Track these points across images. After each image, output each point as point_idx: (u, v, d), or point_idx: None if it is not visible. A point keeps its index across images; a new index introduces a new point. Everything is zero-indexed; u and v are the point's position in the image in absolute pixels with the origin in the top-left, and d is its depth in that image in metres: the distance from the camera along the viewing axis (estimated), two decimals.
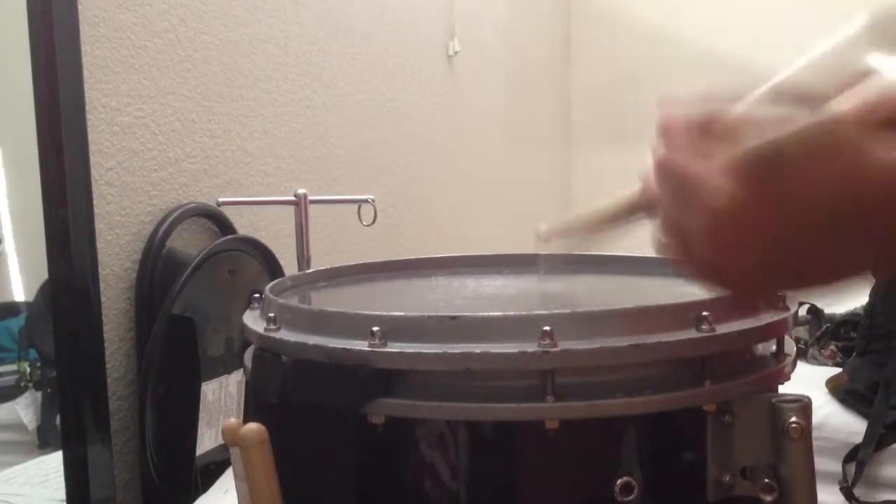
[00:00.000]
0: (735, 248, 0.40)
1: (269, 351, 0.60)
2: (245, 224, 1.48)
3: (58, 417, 1.21)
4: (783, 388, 0.58)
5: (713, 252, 0.40)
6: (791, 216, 0.38)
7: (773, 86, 0.38)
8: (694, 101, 0.42)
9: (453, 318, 0.52)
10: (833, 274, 0.42)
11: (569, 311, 0.52)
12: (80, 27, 1.16)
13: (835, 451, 1.57)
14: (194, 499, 1.16)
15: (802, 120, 0.37)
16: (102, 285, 1.20)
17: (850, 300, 2.03)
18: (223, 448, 1.06)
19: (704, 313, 0.53)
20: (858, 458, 1.53)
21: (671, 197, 0.41)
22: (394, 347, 0.52)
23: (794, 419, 0.51)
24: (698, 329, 0.53)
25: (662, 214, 0.43)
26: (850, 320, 1.90)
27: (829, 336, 1.95)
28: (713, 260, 0.41)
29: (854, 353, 1.72)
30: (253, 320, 0.65)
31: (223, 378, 1.28)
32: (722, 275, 0.42)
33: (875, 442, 1.52)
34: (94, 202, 1.19)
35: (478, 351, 0.50)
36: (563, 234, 0.69)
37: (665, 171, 0.42)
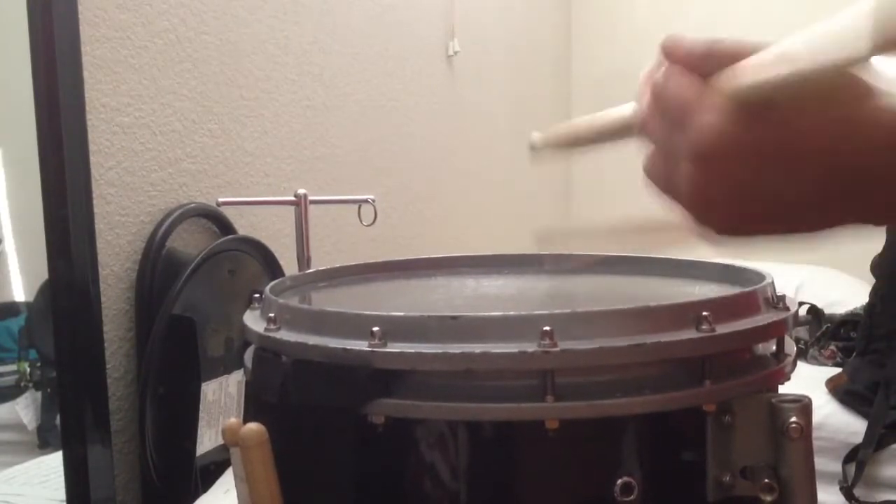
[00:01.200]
0: (715, 184, 0.39)
1: (269, 351, 0.60)
2: (245, 224, 1.48)
3: (58, 417, 1.21)
4: (783, 388, 0.58)
5: (694, 184, 0.40)
6: (781, 161, 0.38)
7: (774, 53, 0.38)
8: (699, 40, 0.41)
9: (453, 318, 0.52)
10: (818, 223, 0.41)
11: (569, 311, 0.52)
12: (80, 27, 1.16)
13: (835, 451, 1.57)
14: (194, 499, 1.16)
15: (802, 63, 0.36)
16: (102, 285, 1.20)
17: (850, 300, 2.04)
18: (223, 448, 1.06)
19: (704, 313, 0.53)
20: (858, 458, 1.53)
21: (662, 120, 0.41)
22: (394, 347, 0.52)
23: (793, 419, 0.51)
24: (698, 329, 0.52)
25: (650, 135, 0.42)
26: (850, 320, 1.90)
27: (829, 336, 1.95)
28: (693, 192, 0.40)
29: (854, 353, 1.72)
30: (253, 320, 0.65)
31: (223, 378, 1.28)
32: (699, 208, 0.41)
33: (875, 442, 1.52)
34: (94, 202, 1.19)
35: (478, 351, 0.50)
36: (555, 143, 0.68)
37: (660, 92, 0.41)
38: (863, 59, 0.32)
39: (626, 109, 0.51)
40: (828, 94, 0.37)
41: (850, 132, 0.37)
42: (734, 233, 0.42)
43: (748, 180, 0.39)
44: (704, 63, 0.40)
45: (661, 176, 0.42)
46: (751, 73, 0.38)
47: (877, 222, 0.41)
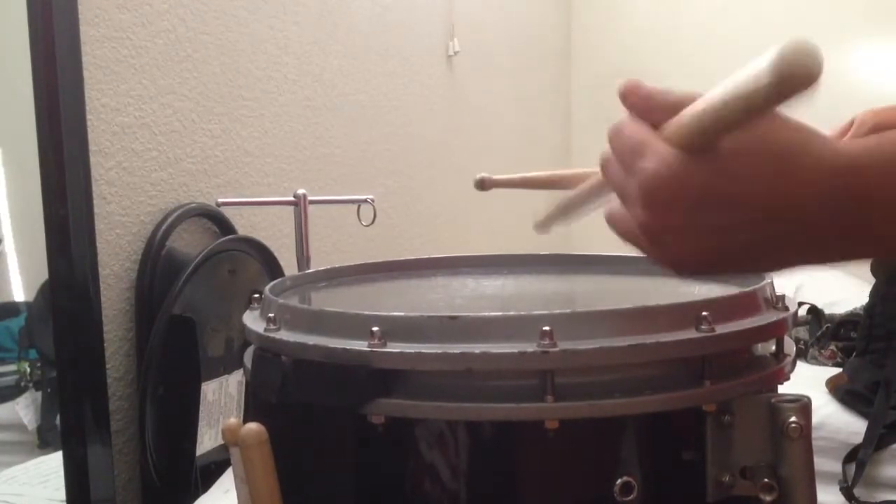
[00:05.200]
0: (663, 228, 0.41)
1: (269, 351, 0.60)
2: (245, 224, 1.48)
3: (58, 417, 1.21)
4: (783, 388, 0.58)
5: (643, 227, 0.42)
6: (722, 204, 0.40)
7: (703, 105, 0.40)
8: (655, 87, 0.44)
9: (453, 318, 0.52)
10: (768, 263, 0.43)
11: (569, 311, 0.52)
12: (80, 27, 1.16)
13: (835, 451, 1.57)
14: (194, 499, 1.16)
15: (715, 100, 0.38)
16: (102, 285, 1.20)
17: (850, 300, 2.04)
18: (223, 448, 1.06)
19: (704, 313, 0.53)
20: (858, 458, 1.53)
21: (619, 158, 0.43)
22: (394, 347, 0.52)
23: (793, 419, 0.51)
24: (698, 329, 0.52)
25: (609, 180, 0.45)
26: (850, 320, 1.90)
27: (829, 336, 1.95)
28: (644, 234, 0.42)
29: (854, 354, 1.72)
30: (253, 320, 0.65)
31: (223, 378, 1.28)
32: (652, 250, 0.43)
33: (875, 442, 1.52)
34: (94, 202, 1.19)
35: (478, 351, 0.50)
36: (554, 219, 0.71)
37: (614, 138, 0.44)
38: (763, 96, 0.35)
39: (584, 170, 0.55)
40: (762, 139, 0.39)
41: (786, 178, 0.39)
42: (689, 271, 0.44)
43: (692, 224, 0.41)
44: (656, 111, 0.43)
45: (619, 218, 0.44)
46: (684, 117, 0.41)
47: (832, 261, 0.43)
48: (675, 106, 0.42)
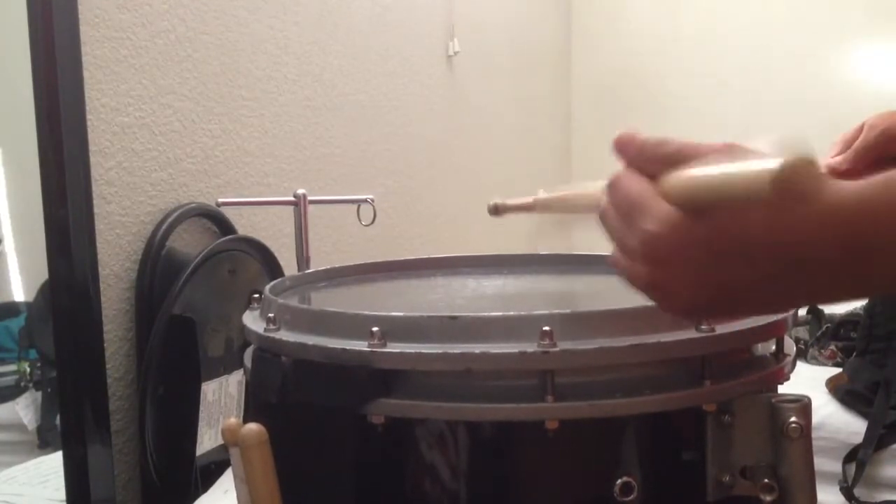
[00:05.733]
0: (667, 282, 0.42)
1: (269, 351, 0.60)
2: (245, 224, 1.48)
3: (58, 417, 1.21)
4: (783, 388, 0.58)
5: (647, 282, 0.43)
6: (727, 257, 0.40)
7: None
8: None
9: (453, 318, 0.52)
10: (777, 308, 0.45)
11: (569, 311, 0.52)
12: (80, 27, 1.16)
13: (835, 451, 1.57)
14: (194, 499, 1.16)
15: (718, 179, 0.40)
16: (102, 285, 1.20)
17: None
18: (223, 448, 1.06)
19: None
20: (858, 458, 1.53)
21: (617, 212, 0.44)
22: (394, 348, 0.52)
23: (793, 419, 0.51)
24: (698, 329, 0.53)
25: (609, 226, 0.46)
26: (850, 320, 1.90)
27: (829, 336, 1.94)
28: (649, 287, 0.43)
29: (854, 353, 1.72)
30: (253, 320, 0.65)
31: (223, 378, 1.28)
32: (659, 301, 0.44)
33: (875, 442, 1.52)
34: (94, 202, 1.19)
35: (478, 351, 0.51)
36: (517, 210, 0.72)
37: (612, 192, 0.45)
38: (761, 196, 0.37)
39: (592, 191, 0.55)
40: (752, 194, 0.40)
41: (787, 227, 0.39)
42: (692, 316, 0.46)
43: (697, 278, 0.42)
44: (653, 163, 0.43)
45: (623, 266, 0.45)
46: (685, 178, 0.42)
47: (843, 300, 0.45)
48: (672, 158, 0.42)
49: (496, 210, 0.78)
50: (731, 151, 0.40)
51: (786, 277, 0.40)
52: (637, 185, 0.43)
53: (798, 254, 0.39)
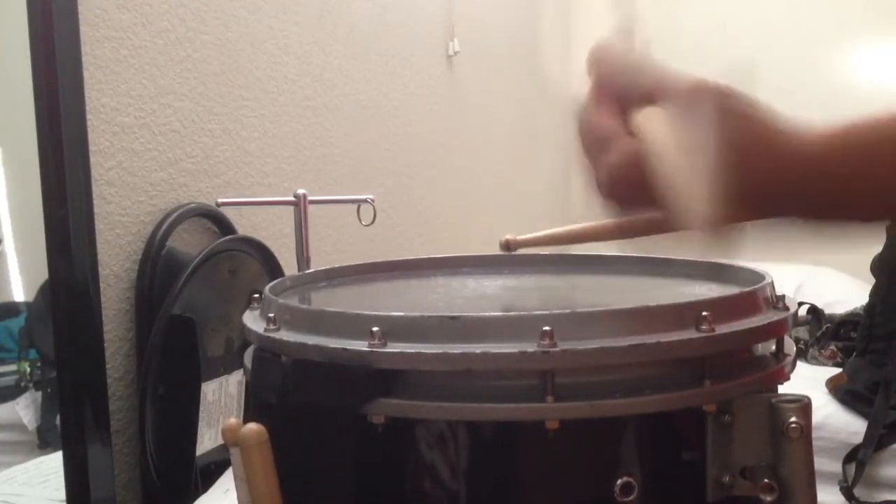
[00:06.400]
0: (634, 195, 0.46)
1: (268, 351, 0.60)
2: (245, 224, 1.48)
3: (58, 417, 1.21)
4: (783, 388, 0.58)
5: (619, 195, 0.47)
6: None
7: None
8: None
9: (453, 318, 0.52)
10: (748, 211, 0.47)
11: (569, 311, 0.52)
12: (80, 27, 1.16)
13: (835, 451, 1.57)
14: (194, 499, 1.16)
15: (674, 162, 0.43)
16: (102, 285, 1.20)
17: (850, 300, 2.04)
18: (223, 448, 1.06)
19: (704, 313, 0.52)
20: (858, 458, 1.53)
21: (589, 149, 0.47)
22: (394, 347, 0.52)
23: (793, 419, 0.51)
24: (698, 329, 0.52)
25: (583, 163, 0.49)
26: (850, 320, 1.90)
27: (829, 336, 1.95)
28: (619, 204, 0.47)
29: (854, 353, 1.72)
30: (253, 320, 0.65)
31: (223, 378, 1.28)
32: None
33: (875, 442, 1.52)
34: (94, 202, 1.19)
35: (478, 351, 0.50)
36: (528, 245, 0.75)
37: (585, 126, 0.48)
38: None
39: (595, 224, 0.57)
40: (736, 121, 0.44)
41: (762, 157, 0.44)
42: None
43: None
44: (626, 93, 0.46)
45: (595, 193, 0.49)
46: (655, 127, 0.44)
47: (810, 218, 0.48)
48: (646, 91, 0.44)
49: (507, 246, 0.80)
50: (694, 93, 0.43)
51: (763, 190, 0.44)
52: (605, 119, 0.46)
53: (774, 177, 0.43)
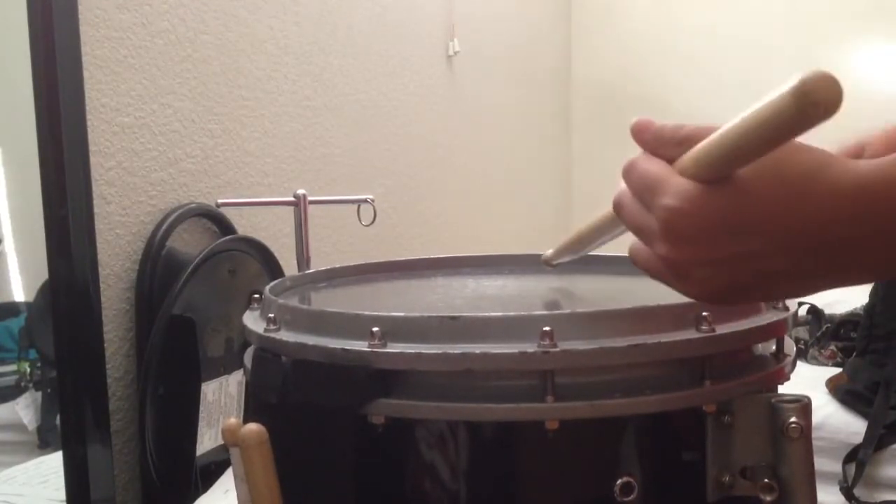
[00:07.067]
0: (687, 262, 0.41)
1: (269, 351, 0.60)
2: (245, 224, 1.48)
3: (58, 417, 1.21)
4: (783, 388, 0.58)
5: (667, 262, 0.42)
6: (746, 233, 0.39)
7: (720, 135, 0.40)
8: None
9: (453, 318, 0.52)
10: (797, 289, 0.43)
11: (569, 311, 0.52)
12: (80, 27, 1.16)
13: (835, 451, 1.57)
14: (194, 499, 1.16)
15: (733, 126, 0.38)
16: (102, 285, 1.20)
17: (850, 300, 2.04)
18: (223, 448, 1.06)
19: (704, 313, 0.53)
20: (858, 458, 1.53)
21: (636, 195, 0.43)
22: (394, 348, 0.52)
23: (793, 419, 0.51)
24: (698, 329, 0.53)
25: (625, 218, 0.45)
26: (850, 320, 1.90)
27: (829, 336, 1.95)
28: (668, 269, 0.42)
29: (854, 353, 1.72)
30: (253, 320, 0.65)
31: (223, 378, 1.28)
32: (678, 283, 0.43)
33: (875, 442, 1.52)
34: (94, 202, 1.19)
35: (478, 351, 0.50)
36: (564, 254, 0.75)
37: (628, 175, 0.44)
38: (787, 123, 0.35)
39: (608, 212, 0.55)
40: (778, 164, 0.39)
41: (805, 201, 0.39)
42: (719, 302, 0.44)
43: (717, 255, 0.40)
44: (668, 146, 0.43)
45: (642, 256, 0.44)
46: (699, 150, 0.41)
47: (861, 282, 0.42)
48: (688, 139, 0.42)
49: (548, 263, 0.80)
50: None
51: (806, 253, 0.39)
52: (653, 165, 0.42)
53: (817, 227, 0.38)
